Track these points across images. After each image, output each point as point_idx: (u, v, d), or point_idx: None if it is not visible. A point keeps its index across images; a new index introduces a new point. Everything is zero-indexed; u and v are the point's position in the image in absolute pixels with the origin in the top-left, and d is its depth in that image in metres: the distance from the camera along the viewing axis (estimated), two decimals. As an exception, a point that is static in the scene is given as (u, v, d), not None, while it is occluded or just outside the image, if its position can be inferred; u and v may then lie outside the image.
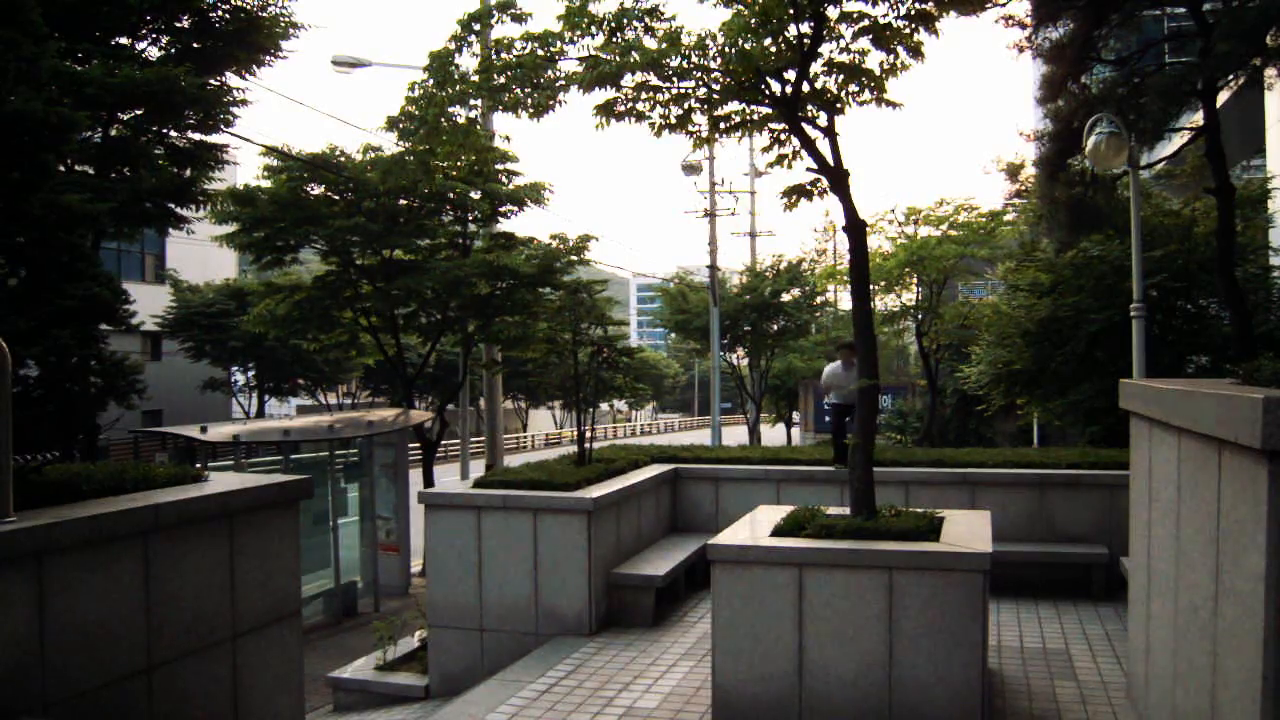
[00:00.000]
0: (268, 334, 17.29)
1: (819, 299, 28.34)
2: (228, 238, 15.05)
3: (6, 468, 3.10)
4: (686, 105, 5.44)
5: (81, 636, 3.21)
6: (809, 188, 5.49)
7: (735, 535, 4.96)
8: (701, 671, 5.49)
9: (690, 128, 5.55)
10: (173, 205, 12.48)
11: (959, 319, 16.44)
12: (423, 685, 6.82)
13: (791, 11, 4.83)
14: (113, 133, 11.65)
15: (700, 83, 5.26)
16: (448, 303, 15.32)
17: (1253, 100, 12.78)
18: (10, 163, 3.77)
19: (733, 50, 4.97)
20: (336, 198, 14.85)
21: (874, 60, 5.21)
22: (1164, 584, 3.59)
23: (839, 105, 5.25)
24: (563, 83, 5.37)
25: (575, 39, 5.30)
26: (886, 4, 5.00)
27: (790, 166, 5.52)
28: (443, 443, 26.94)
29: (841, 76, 5.23)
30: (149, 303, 23.30)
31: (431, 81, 5.75)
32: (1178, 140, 9.44)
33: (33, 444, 3.87)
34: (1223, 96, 9.81)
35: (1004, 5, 8.17)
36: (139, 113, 11.67)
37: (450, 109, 5.80)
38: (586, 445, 7.77)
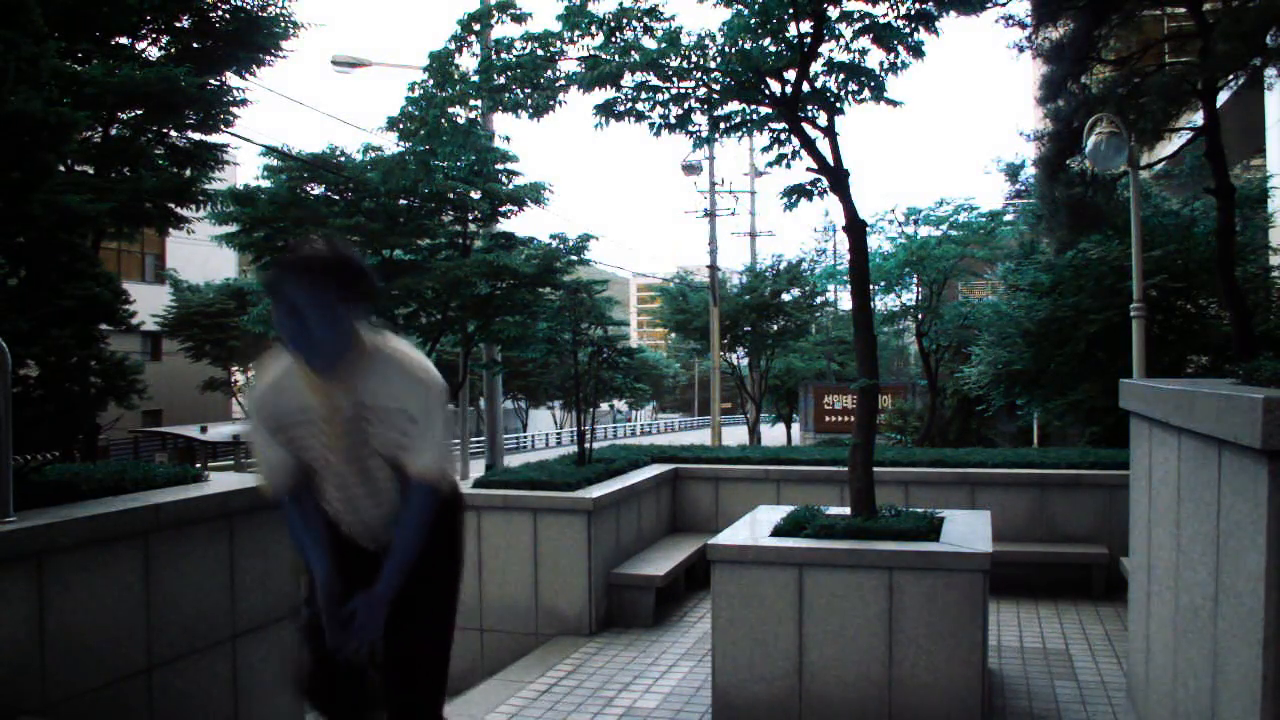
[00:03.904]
0: (268, 334, 17.28)
1: (819, 299, 28.36)
2: (228, 238, 15.04)
3: (6, 468, 3.10)
4: (686, 105, 5.43)
5: (81, 636, 3.21)
6: (809, 188, 5.48)
7: (735, 535, 4.96)
8: (701, 671, 5.49)
9: (690, 128, 5.54)
10: (173, 205, 12.47)
11: (959, 319, 16.45)
12: (423, 685, 6.81)
13: (791, 11, 4.83)
14: (113, 133, 11.64)
15: (700, 83, 5.27)
16: (448, 303, 15.31)
17: (1253, 100, 12.78)
18: (10, 163, 3.76)
19: (733, 50, 4.97)
20: (336, 198, 14.84)
21: (874, 59, 5.22)
22: (1164, 584, 3.58)
23: (839, 105, 5.25)
24: (563, 83, 5.38)
25: (575, 39, 5.31)
26: (887, 3, 5.00)
27: (790, 166, 5.51)
28: (443, 443, 26.86)
29: (842, 76, 5.23)
30: (149, 303, 23.30)
31: (431, 81, 5.77)
32: (1178, 140, 9.44)
33: (33, 444, 3.86)
34: (1223, 96, 9.80)
35: (1004, 5, 8.17)
36: (139, 113, 11.66)
37: (450, 109, 5.81)
38: (586, 445, 7.77)
